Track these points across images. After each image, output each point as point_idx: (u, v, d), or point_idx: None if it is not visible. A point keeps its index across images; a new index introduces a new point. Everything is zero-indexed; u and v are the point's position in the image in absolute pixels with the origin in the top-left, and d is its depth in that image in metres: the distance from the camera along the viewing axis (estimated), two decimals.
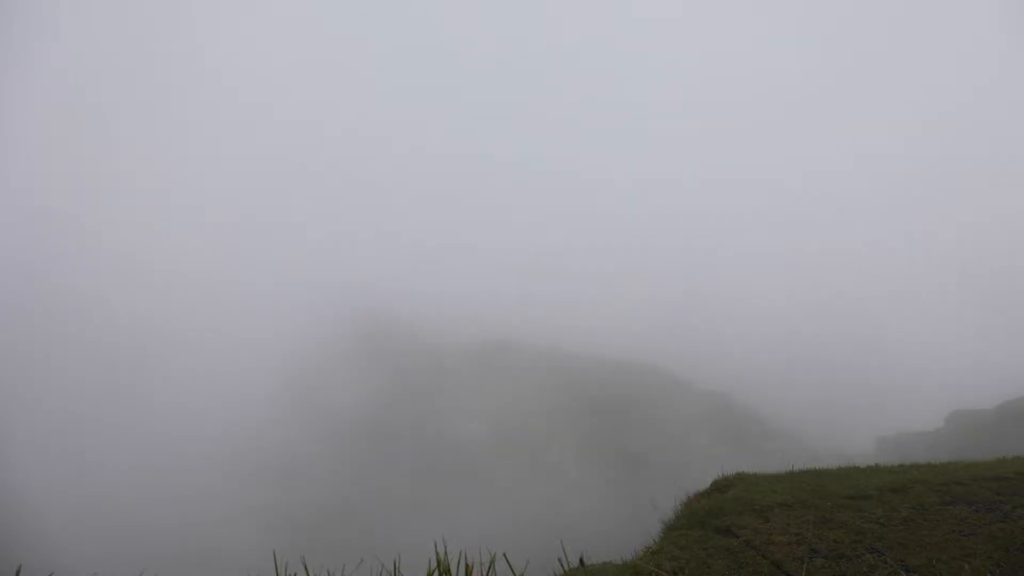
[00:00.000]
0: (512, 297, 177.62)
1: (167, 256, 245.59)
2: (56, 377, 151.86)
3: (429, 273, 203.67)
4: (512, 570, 4.24)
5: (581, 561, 5.43)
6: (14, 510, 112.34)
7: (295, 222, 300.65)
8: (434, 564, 3.88)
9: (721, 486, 7.56)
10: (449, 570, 3.87)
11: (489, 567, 3.90)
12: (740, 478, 7.74)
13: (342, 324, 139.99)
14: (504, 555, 4.28)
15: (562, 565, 5.41)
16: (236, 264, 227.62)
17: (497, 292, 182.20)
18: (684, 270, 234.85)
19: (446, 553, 3.93)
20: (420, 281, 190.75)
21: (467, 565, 3.87)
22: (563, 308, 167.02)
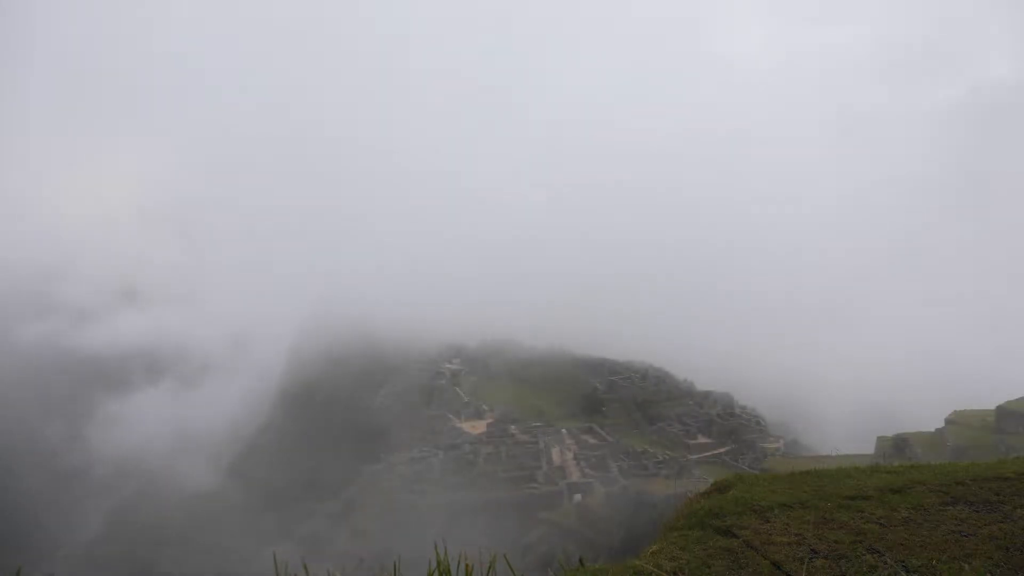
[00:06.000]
0: (512, 297, 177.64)
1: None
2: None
3: (428, 274, 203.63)
4: (512, 571, 4.24)
5: (581, 561, 5.44)
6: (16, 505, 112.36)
7: (289, 227, 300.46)
8: (434, 565, 3.88)
9: (721, 486, 7.56)
10: (449, 571, 3.87)
11: (489, 568, 3.90)
12: (740, 478, 7.74)
13: (335, 326, 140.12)
14: (504, 556, 4.28)
15: (562, 565, 5.42)
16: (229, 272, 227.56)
17: (495, 292, 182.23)
18: (685, 270, 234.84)
19: (446, 554, 3.93)
20: (420, 282, 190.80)
21: (467, 566, 3.87)
22: (563, 308, 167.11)
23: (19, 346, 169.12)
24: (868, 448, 68.85)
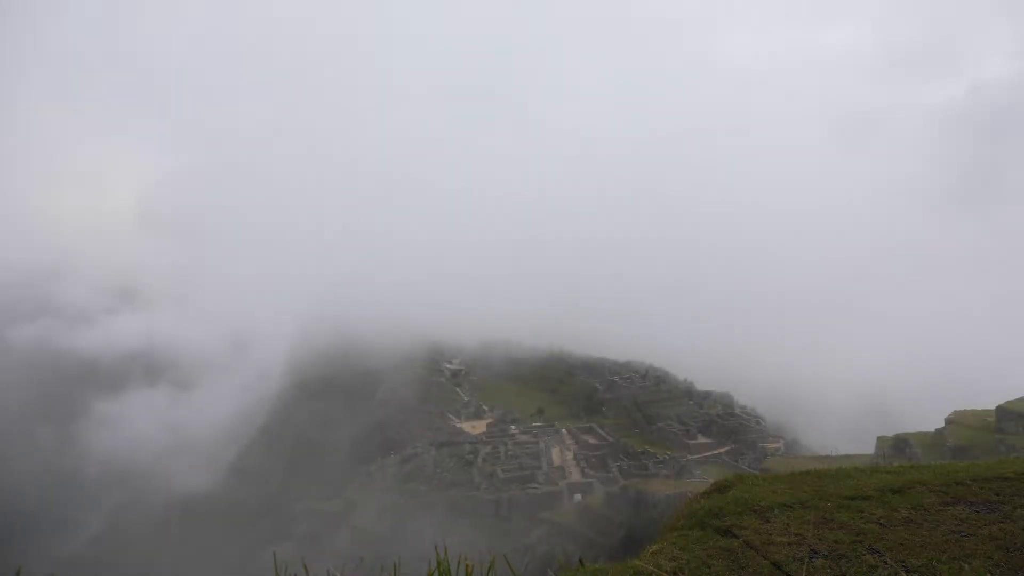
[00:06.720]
0: (512, 297, 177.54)
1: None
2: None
3: (428, 274, 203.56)
4: (512, 571, 4.24)
5: (581, 561, 5.44)
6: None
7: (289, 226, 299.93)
8: (434, 565, 3.88)
9: (721, 486, 7.56)
10: (449, 571, 3.87)
11: (489, 568, 3.90)
12: (740, 478, 7.74)
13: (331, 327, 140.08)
14: (505, 556, 4.28)
15: (562, 565, 5.44)
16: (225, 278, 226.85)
17: (495, 292, 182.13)
18: (686, 270, 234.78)
19: (446, 554, 3.93)
20: (420, 282, 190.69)
21: (467, 566, 3.87)
22: (563, 308, 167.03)
23: (16, 347, 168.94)
24: (868, 448, 68.79)
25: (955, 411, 69.43)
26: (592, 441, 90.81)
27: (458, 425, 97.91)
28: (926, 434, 67.85)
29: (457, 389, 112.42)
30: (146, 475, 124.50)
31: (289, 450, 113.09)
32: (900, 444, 64.92)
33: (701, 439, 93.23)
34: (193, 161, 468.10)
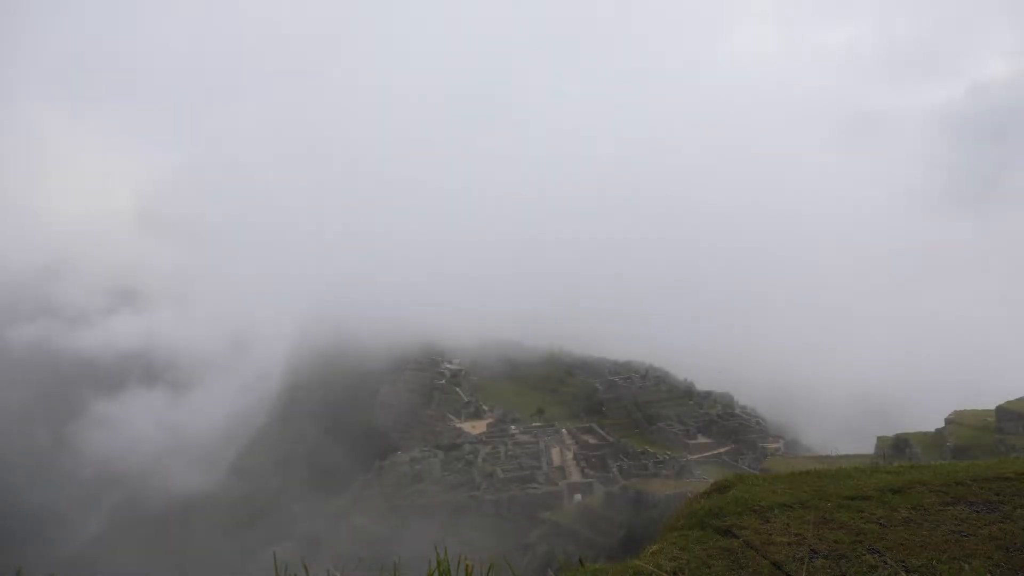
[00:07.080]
0: (512, 297, 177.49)
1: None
2: None
3: (428, 274, 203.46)
4: (512, 571, 4.24)
5: (581, 561, 5.44)
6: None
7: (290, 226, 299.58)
8: (434, 565, 3.88)
9: (721, 486, 7.56)
10: (449, 571, 3.87)
11: (489, 569, 3.90)
12: (740, 478, 7.73)
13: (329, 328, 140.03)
14: (504, 556, 4.28)
15: (562, 565, 5.44)
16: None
17: (496, 292, 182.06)
18: (686, 270, 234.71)
19: (446, 554, 3.93)
20: (420, 283, 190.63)
21: (467, 566, 3.86)
22: (563, 308, 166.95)
23: (15, 347, 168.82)
24: (868, 448, 68.77)
25: (955, 411, 69.44)
26: (592, 441, 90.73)
27: (458, 425, 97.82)
28: (926, 434, 67.85)
29: (457, 389, 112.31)
30: (145, 475, 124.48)
31: (289, 450, 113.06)
32: (900, 444, 64.91)
33: (701, 439, 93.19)
34: (193, 161, 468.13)
